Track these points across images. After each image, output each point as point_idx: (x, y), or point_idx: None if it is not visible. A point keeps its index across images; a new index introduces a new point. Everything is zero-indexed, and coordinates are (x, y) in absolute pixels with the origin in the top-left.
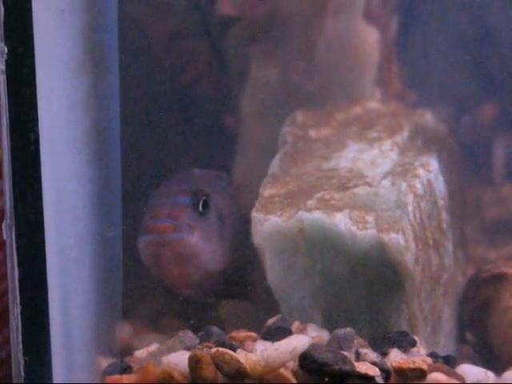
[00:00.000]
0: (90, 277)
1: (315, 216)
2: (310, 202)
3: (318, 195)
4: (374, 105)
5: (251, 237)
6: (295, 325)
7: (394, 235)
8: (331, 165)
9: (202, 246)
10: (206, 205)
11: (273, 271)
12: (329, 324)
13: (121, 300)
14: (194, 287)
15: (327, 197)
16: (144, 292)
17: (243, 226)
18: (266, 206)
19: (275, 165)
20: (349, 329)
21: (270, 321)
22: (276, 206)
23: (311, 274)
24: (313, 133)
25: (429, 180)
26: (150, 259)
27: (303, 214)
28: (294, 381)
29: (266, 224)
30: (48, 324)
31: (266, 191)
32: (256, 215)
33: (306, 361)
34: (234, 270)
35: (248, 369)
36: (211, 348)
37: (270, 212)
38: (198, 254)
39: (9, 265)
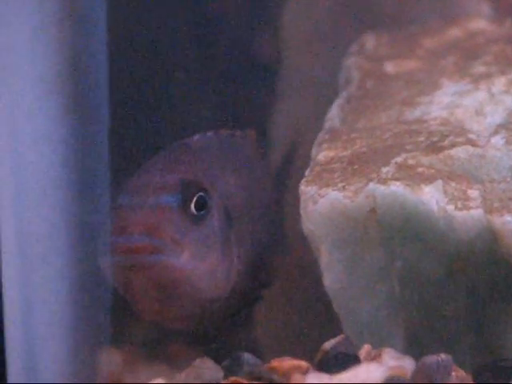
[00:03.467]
0: (63, 281)
1: (393, 190)
2: (386, 170)
3: (398, 159)
4: (480, 25)
5: (299, 222)
6: (365, 349)
7: (508, 218)
8: (417, 114)
9: (195, 268)
10: (202, 204)
11: (331, 272)
12: (414, 348)
13: (109, 315)
14: (187, 322)
15: (411, 162)
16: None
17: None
18: (320, 175)
19: (334, 115)
20: (443, 355)
21: (328, 344)
22: (336, 175)
23: (388, 275)
24: (390, 67)
25: None
26: (121, 288)
27: (376, 188)
28: None
29: (322, 202)
30: (2, 347)
31: (322, 154)
32: (306, 189)
33: None
34: (266, 278)
35: None
36: None
37: (328, 184)
38: (189, 282)
39: None
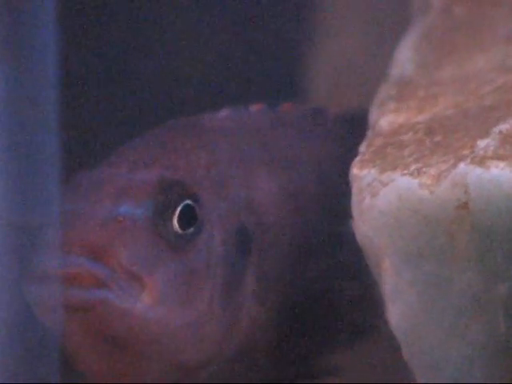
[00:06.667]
0: None
1: (496, 175)
2: (485, 144)
3: (503, 127)
4: None
5: (350, 227)
6: None
7: None
8: None
9: (162, 318)
10: (189, 218)
11: (400, 302)
12: None
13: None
14: None
15: None
16: None
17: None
18: (383, 152)
19: (405, 58)
20: None
21: None
22: (407, 152)
23: (488, 304)
24: None
25: None
26: (51, 328)
27: (469, 171)
28: None
29: (385, 193)
30: None
31: (385, 119)
32: (360, 174)
33: None
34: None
35: None
36: None
37: (394, 166)
38: (152, 336)
39: None
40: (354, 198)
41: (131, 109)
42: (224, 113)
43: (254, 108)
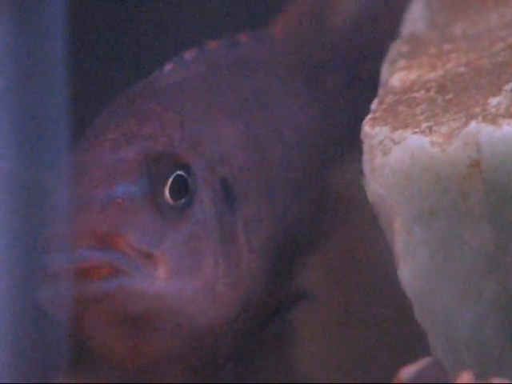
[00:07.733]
0: None
1: (508, 133)
2: (497, 101)
3: None
4: None
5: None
6: (464, 378)
7: None
8: None
9: (179, 290)
10: (182, 188)
11: (412, 261)
12: None
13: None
14: (178, 364)
15: None
16: None
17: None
18: (395, 110)
19: (417, 14)
20: None
21: (408, 371)
22: (419, 110)
23: (500, 264)
24: None
25: None
26: (71, 326)
27: (481, 129)
28: None
29: (397, 152)
30: None
31: (397, 76)
32: (372, 132)
33: None
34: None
35: None
36: None
37: (406, 124)
38: (172, 311)
39: None
40: (366, 156)
41: (139, 53)
42: (168, 67)
43: (189, 55)
